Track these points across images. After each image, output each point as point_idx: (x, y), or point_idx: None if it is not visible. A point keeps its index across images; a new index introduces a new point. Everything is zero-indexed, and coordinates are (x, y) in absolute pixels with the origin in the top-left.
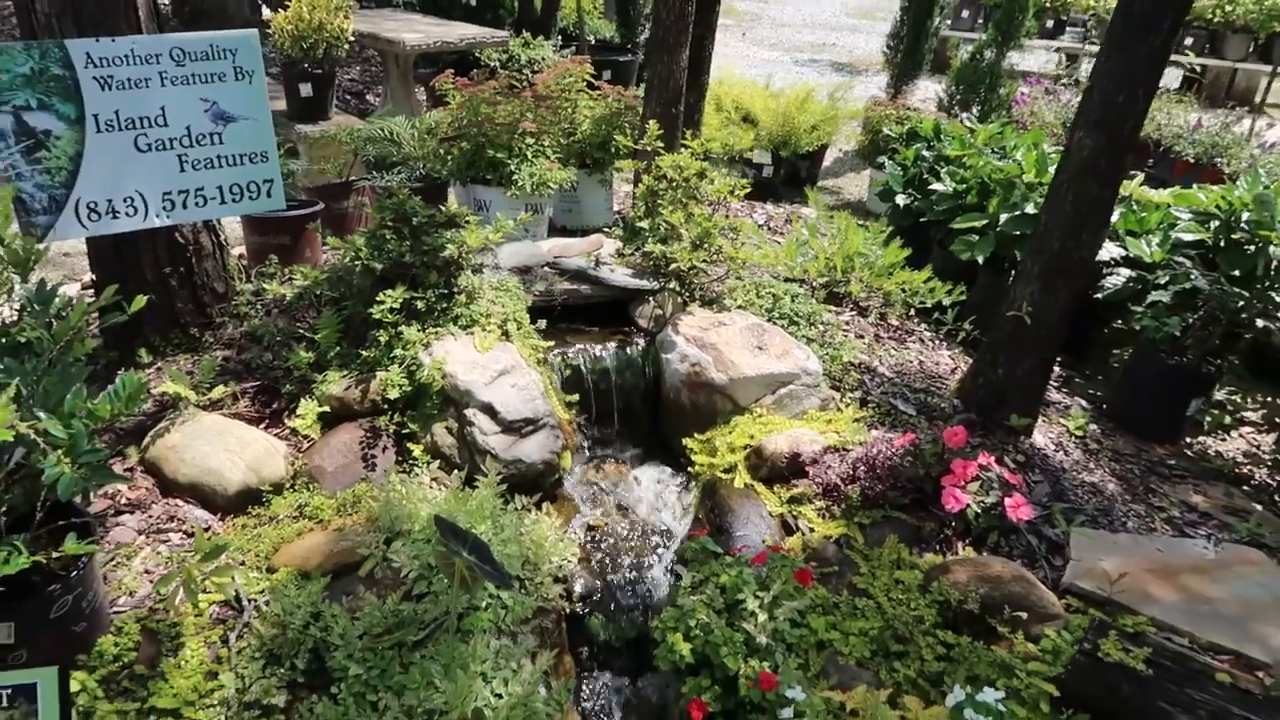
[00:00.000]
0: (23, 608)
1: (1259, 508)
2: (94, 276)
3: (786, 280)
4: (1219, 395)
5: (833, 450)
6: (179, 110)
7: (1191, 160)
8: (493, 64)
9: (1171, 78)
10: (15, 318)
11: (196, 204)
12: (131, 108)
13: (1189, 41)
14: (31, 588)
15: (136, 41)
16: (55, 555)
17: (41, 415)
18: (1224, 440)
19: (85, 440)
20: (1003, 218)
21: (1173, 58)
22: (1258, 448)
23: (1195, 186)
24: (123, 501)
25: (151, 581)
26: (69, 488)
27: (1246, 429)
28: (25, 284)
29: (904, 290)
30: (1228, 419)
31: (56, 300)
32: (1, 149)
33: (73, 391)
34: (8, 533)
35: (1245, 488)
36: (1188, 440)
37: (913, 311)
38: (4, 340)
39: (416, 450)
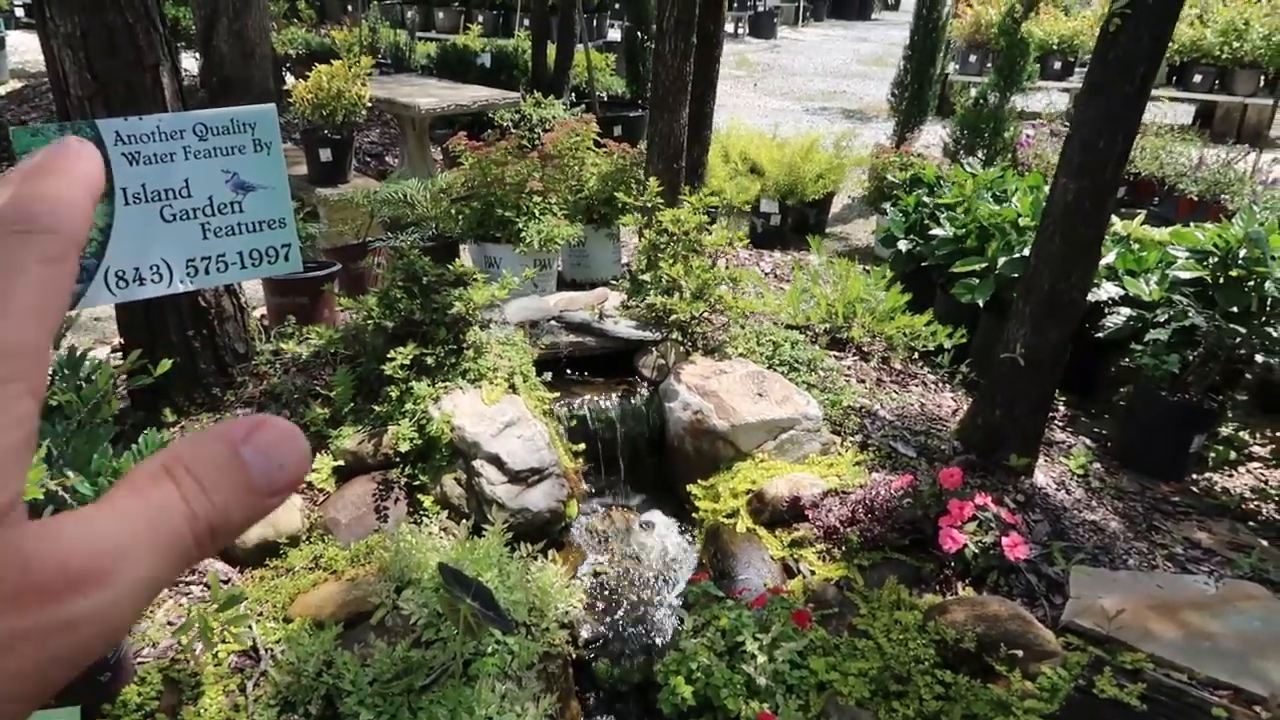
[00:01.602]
0: None
1: (1264, 543)
2: (123, 340)
3: (789, 327)
4: (1226, 431)
5: (833, 494)
6: (202, 181)
7: (1196, 198)
8: (505, 124)
9: (1183, 113)
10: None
11: (218, 269)
12: (157, 181)
13: (1198, 79)
14: None
15: (162, 119)
16: None
17: (70, 474)
18: (1230, 476)
19: None
20: (1001, 261)
21: (1182, 94)
22: (1265, 483)
23: (1193, 225)
24: None
25: (174, 633)
26: None
27: (1254, 464)
28: (57, 350)
29: (905, 334)
30: (1233, 454)
31: (85, 365)
32: None
33: (99, 451)
34: None
35: (1251, 523)
36: (1193, 477)
37: (915, 355)
38: None
39: (427, 501)
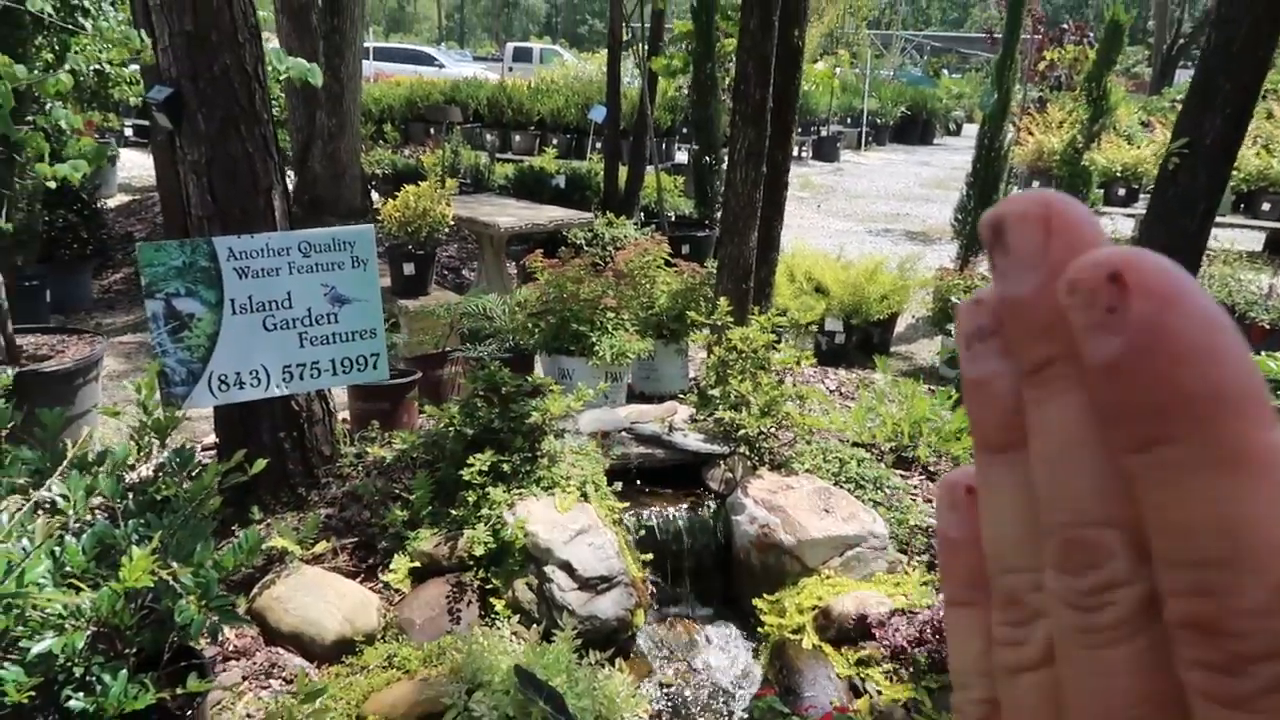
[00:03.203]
0: None
1: None
2: (216, 439)
3: (855, 445)
4: None
5: (900, 613)
6: (302, 294)
7: (1268, 326)
8: (579, 242)
9: (1253, 239)
10: (151, 476)
11: (312, 375)
12: (263, 293)
13: (1266, 206)
14: None
15: (271, 238)
16: (177, 693)
17: (174, 564)
18: None
19: (215, 587)
20: None
21: (1250, 222)
22: None
23: (1264, 354)
24: (230, 648)
25: None
26: (199, 628)
27: None
28: (164, 448)
29: (972, 455)
30: None
31: (193, 462)
32: (153, 330)
33: (202, 544)
34: (136, 672)
35: None
36: None
37: None
38: (142, 497)
39: (498, 605)
